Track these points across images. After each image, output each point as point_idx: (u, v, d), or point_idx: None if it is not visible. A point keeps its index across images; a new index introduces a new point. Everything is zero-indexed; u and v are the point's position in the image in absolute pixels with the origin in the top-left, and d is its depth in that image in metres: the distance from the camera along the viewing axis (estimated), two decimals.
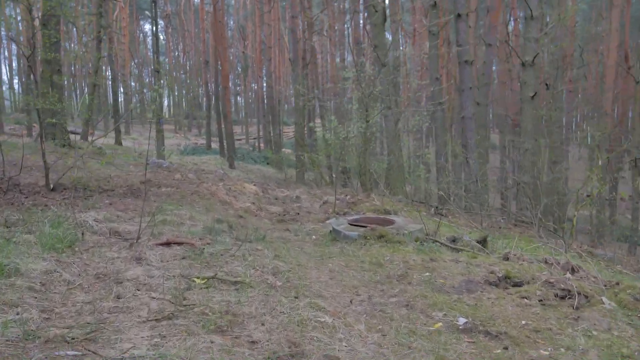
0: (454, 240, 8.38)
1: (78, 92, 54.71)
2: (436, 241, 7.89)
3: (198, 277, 5.43)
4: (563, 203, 15.44)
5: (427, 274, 6.09)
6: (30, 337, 3.75)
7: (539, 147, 14.41)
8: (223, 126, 27.58)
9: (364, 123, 12.78)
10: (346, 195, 13.14)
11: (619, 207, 28.01)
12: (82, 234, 6.64)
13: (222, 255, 6.43)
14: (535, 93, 13.69)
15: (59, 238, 6.19)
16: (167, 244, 6.75)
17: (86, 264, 5.64)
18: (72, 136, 29.22)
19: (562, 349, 4.24)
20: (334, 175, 21.35)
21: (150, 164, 17.20)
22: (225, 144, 27.23)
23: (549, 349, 4.25)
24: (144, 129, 48.22)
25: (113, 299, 4.64)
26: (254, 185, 15.67)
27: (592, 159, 16.11)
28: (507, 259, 6.93)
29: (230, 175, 20.34)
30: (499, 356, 4.10)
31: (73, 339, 3.77)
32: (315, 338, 4.20)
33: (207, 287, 5.19)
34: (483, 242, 8.22)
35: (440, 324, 4.73)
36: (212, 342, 3.88)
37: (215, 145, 32.45)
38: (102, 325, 4.06)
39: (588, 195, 14.05)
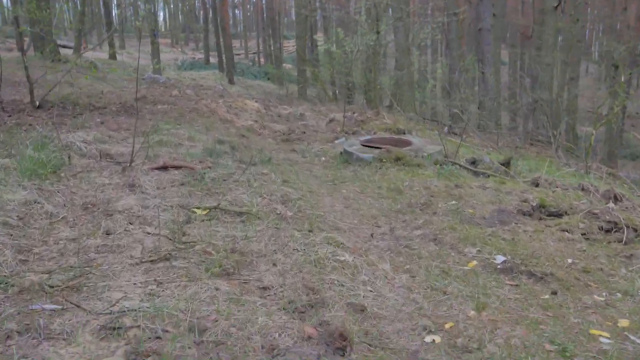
0: (473, 162, 7.70)
1: (70, 4, 51.93)
2: (456, 164, 7.20)
3: (199, 208, 4.77)
4: (575, 121, 14.62)
5: (454, 202, 5.43)
6: (1, 285, 3.13)
7: (558, 62, 13.37)
8: (222, 40, 26.09)
9: (374, 35, 11.68)
10: (354, 113, 12.29)
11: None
12: (69, 157, 5.92)
13: (224, 180, 5.75)
14: (559, 3, 12.49)
15: (42, 162, 5.46)
16: (164, 167, 6.05)
17: (72, 192, 4.96)
18: (64, 51, 27.81)
19: (619, 294, 3.64)
20: (337, 91, 20.35)
21: (146, 79, 16.18)
22: (224, 58, 25.89)
23: (604, 293, 3.66)
24: (141, 43, 46.19)
25: (102, 236, 4.00)
26: (256, 102, 14.77)
27: (610, 75, 15.08)
28: (537, 184, 6.26)
29: (230, 91, 19.32)
30: (547, 303, 3.51)
31: (52, 287, 3.15)
32: (335, 282, 3.59)
33: (209, 219, 4.55)
34: (506, 164, 7.53)
35: (475, 262, 4.12)
36: (217, 290, 3.27)
37: (213, 60, 31.01)
38: (87, 269, 3.43)
39: (606, 114, 13.24)
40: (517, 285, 3.76)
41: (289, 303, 3.21)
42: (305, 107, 15.95)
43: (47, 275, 3.30)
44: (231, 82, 23.83)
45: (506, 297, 3.57)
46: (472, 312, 3.35)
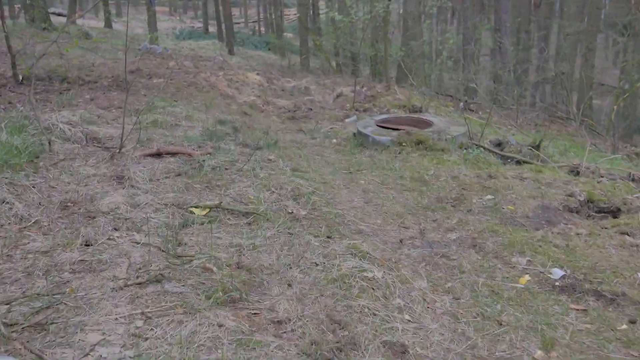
0: (499, 145, 6.95)
1: None
2: (481, 147, 6.45)
3: (198, 207, 4.04)
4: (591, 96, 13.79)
5: (489, 196, 4.71)
6: None
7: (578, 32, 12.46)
8: (221, 8, 24.93)
9: (385, 1, 10.75)
10: (362, 87, 11.45)
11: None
12: (50, 142, 5.15)
13: (227, 169, 5.02)
14: None
15: (17, 149, 4.72)
16: (158, 154, 5.30)
17: (51, 187, 4.23)
18: (58, 19, 26.65)
19: None
20: (341, 63, 19.40)
21: (142, 49, 15.23)
22: (223, 28, 24.79)
23: None
24: (137, 11, 44.69)
25: (80, 248, 3.28)
26: (258, 74, 13.88)
27: (629, 47, 14.16)
28: (578, 173, 5.53)
29: (230, 63, 18.36)
30: (627, 336, 2.82)
31: (11, 325, 2.45)
32: (365, 309, 2.90)
33: (209, 222, 3.83)
34: (536, 147, 6.79)
35: (527, 276, 3.42)
36: (220, 326, 2.57)
37: (213, 29, 29.82)
38: (58, 296, 2.73)
39: (625, 89, 12.41)
40: (584, 310, 3.07)
41: (312, 345, 2.52)
42: (309, 80, 15.07)
43: (6, 306, 2.60)
44: (231, 52, 22.80)
45: (575, 329, 2.88)
46: (539, 352, 2.66)
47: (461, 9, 12.06)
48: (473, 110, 10.37)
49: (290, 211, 4.18)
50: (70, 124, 5.94)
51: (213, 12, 28.44)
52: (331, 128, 7.90)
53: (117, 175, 4.61)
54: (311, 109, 9.39)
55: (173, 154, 5.34)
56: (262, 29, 33.40)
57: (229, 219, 3.94)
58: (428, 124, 6.86)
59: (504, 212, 4.40)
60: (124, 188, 4.35)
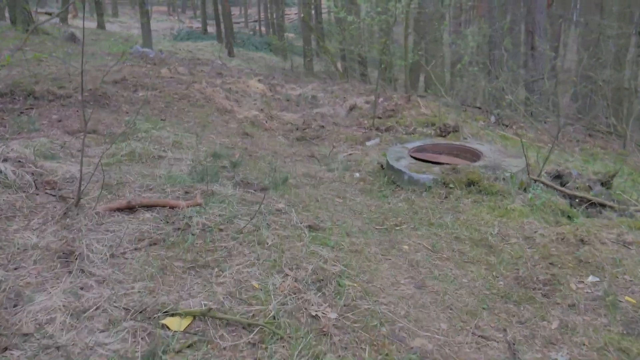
0: (559, 177, 5.56)
1: None
2: (539, 181, 5.05)
3: (176, 314, 2.64)
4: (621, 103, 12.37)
5: (593, 278, 3.29)
6: None
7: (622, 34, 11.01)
8: (220, 7, 23.50)
9: None
10: (378, 97, 10.04)
11: None
12: None
13: (221, 231, 3.62)
14: None
15: None
16: (130, 208, 3.90)
17: None
18: (44, 19, 25.16)
19: None
20: (347, 67, 17.98)
21: (133, 53, 13.80)
22: (223, 28, 23.36)
23: None
24: (135, 11, 43.22)
25: None
26: (260, 81, 12.47)
27: None
28: None
29: (229, 66, 16.97)
30: None
31: None
32: None
33: (191, 346, 2.43)
34: (607, 183, 5.39)
35: None
36: None
37: (212, 29, 28.36)
38: None
39: None
40: None
41: None
42: (315, 86, 13.67)
43: None
44: (230, 54, 21.40)
45: None
46: None
47: (487, 8, 10.65)
48: (507, 125, 8.96)
49: (314, 314, 2.78)
50: (20, 160, 4.53)
51: (212, 11, 27.01)
52: (350, 154, 6.48)
53: (65, 249, 3.20)
54: (323, 126, 7.97)
55: (150, 207, 3.93)
56: (263, 29, 31.94)
57: (222, 336, 2.54)
58: (475, 154, 5.45)
59: (623, 309, 2.99)
60: (70, 273, 2.95)
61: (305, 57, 20.01)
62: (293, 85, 13.60)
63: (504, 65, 10.28)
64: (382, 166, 5.56)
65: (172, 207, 3.97)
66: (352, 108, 9.39)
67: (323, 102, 11.00)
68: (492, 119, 9.14)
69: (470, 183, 4.69)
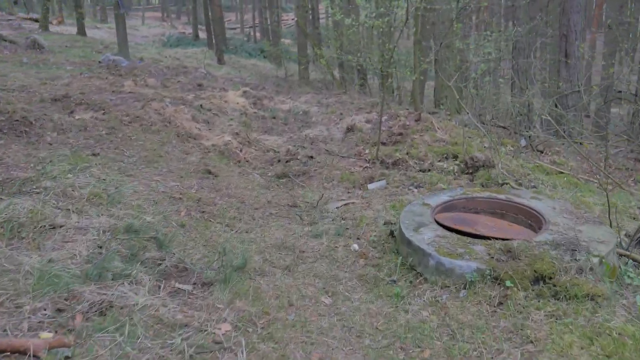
0: None
1: None
2: (627, 256, 3.22)
3: None
4: None
5: None
6: None
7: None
8: (210, 12, 21.68)
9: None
10: (381, 115, 8.20)
11: None
12: None
13: None
14: None
15: None
16: None
17: None
18: (28, 25, 23.36)
19: None
20: (344, 75, 16.16)
21: (103, 62, 11.98)
22: (213, 33, 21.55)
23: None
24: (129, 16, 41.48)
25: None
26: (243, 93, 10.64)
27: None
28: None
29: (216, 74, 15.13)
30: None
31: None
32: None
33: None
34: None
35: None
36: None
37: (204, 35, 26.58)
38: None
39: None
40: None
41: None
42: (309, 98, 11.84)
43: None
44: (220, 61, 19.58)
45: None
46: None
47: (511, 9, 8.78)
48: (541, 152, 7.11)
49: None
50: None
51: (205, 17, 25.19)
52: (346, 204, 4.61)
53: None
54: (312, 157, 6.11)
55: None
56: (258, 34, 30.15)
57: None
58: (531, 216, 3.59)
59: None
60: None
61: (300, 65, 18.20)
62: (284, 97, 11.77)
63: (530, 76, 8.45)
64: (391, 233, 3.70)
65: (13, 353, 2.14)
66: (350, 129, 7.53)
67: (316, 119, 9.16)
68: (522, 142, 7.30)
69: (539, 278, 2.83)
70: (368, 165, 5.64)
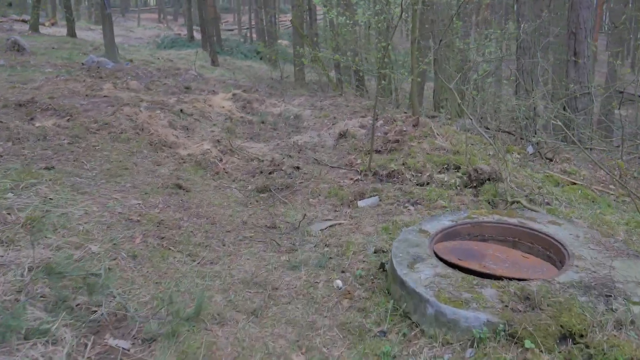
0: None
1: None
2: None
3: None
4: None
5: None
6: None
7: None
8: (204, 12, 21.07)
9: None
10: (376, 119, 7.59)
11: None
12: None
13: None
14: None
15: None
16: None
17: None
18: (19, 27, 22.75)
19: None
20: (341, 77, 15.58)
21: (86, 63, 11.37)
22: (206, 33, 20.94)
23: None
24: (125, 18, 40.94)
25: None
26: (233, 96, 10.03)
27: None
28: None
29: (207, 77, 14.54)
30: None
31: None
32: None
33: None
34: None
35: None
36: None
37: (199, 36, 25.98)
38: None
39: None
40: None
41: None
42: (302, 101, 11.24)
43: None
44: (214, 63, 18.97)
45: None
46: None
47: (519, 2, 8.14)
48: (551, 160, 6.48)
49: None
50: None
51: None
52: (331, 225, 3.98)
53: None
54: (298, 167, 5.48)
55: None
56: (255, 35, 29.54)
57: None
58: (551, 246, 2.96)
59: None
60: None
61: (296, 67, 17.59)
62: (276, 100, 11.16)
63: (536, 77, 7.83)
64: (382, 266, 3.08)
65: None
66: (343, 135, 6.90)
67: (308, 123, 8.54)
68: (530, 149, 6.66)
69: (566, 335, 2.21)
70: (360, 177, 5.00)
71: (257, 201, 4.69)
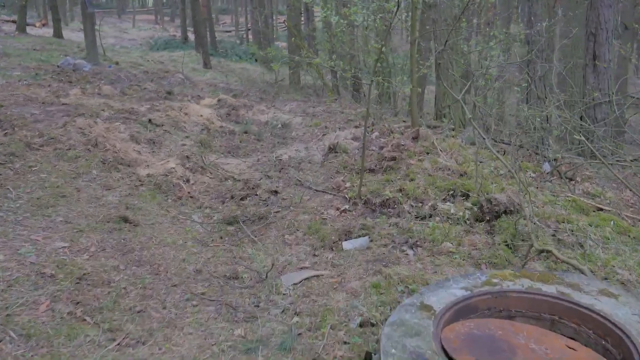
0: None
1: None
2: None
3: None
4: None
5: None
6: None
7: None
8: (196, 12, 20.17)
9: None
10: (372, 131, 6.68)
11: None
12: None
13: None
14: None
15: None
16: None
17: None
18: (7, 28, 21.85)
19: None
20: (337, 82, 14.71)
21: (61, 66, 10.47)
22: (199, 35, 20.05)
23: None
24: (121, 19, 40.07)
25: None
26: (218, 101, 9.14)
27: None
28: None
29: (196, 80, 13.67)
30: None
31: None
32: None
33: None
34: None
35: None
36: None
37: (193, 37, 25.07)
38: None
39: None
40: None
41: None
42: (294, 107, 10.38)
43: None
44: (207, 65, 18.08)
45: None
46: None
47: (527, 4, 7.22)
48: (571, 179, 5.57)
49: None
50: None
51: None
52: (307, 279, 3.07)
53: None
54: (276, 192, 4.58)
55: None
56: (251, 37, 28.63)
57: None
58: (607, 331, 2.06)
59: None
60: None
61: (291, 69, 16.72)
62: (266, 105, 10.28)
63: (550, 82, 6.94)
64: (369, 358, 2.17)
65: None
66: (333, 149, 6.00)
67: (296, 133, 7.65)
68: (546, 167, 5.75)
69: None
70: (347, 207, 4.09)
71: (221, 237, 3.78)
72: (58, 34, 18.43)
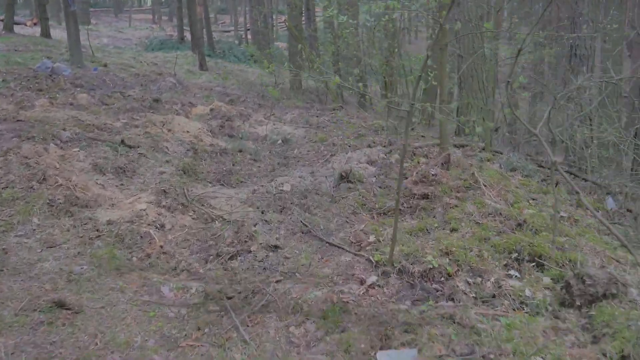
0: None
1: None
2: None
3: None
4: None
5: None
6: None
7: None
8: (192, 10, 18.97)
9: None
10: (389, 151, 5.53)
11: None
12: None
13: None
14: None
15: None
16: None
17: None
18: None
19: None
20: (341, 89, 13.46)
21: (39, 69, 9.27)
22: (195, 35, 18.87)
23: None
24: (118, 18, 38.78)
25: None
26: (210, 111, 7.99)
27: None
28: None
29: (190, 84, 12.49)
30: None
31: None
32: None
33: None
34: None
35: None
36: None
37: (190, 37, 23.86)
38: None
39: None
40: None
41: None
42: (296, 116, 9.24)
43: None
44: (203, 67, 16.90)
45: None
46: None
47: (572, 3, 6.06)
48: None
49: None
50: None
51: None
52: None
53: None
54: (276, 247, 3.42)
55: None
56: (250, 37, 27.41)
57: None
58: None
59: None
60: None
61: (291, 72, 15.48)
62: (264, 113, 9.13)
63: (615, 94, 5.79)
64: None
65: None
66: (345, 177, 4.84)
67: (300, 151, 6.49)
68: (610, 203, 4.60)
69: None
70: (376, 279, 2.92)
71: (198, 329, 2.62)
72: (45, 33, 17.21)
